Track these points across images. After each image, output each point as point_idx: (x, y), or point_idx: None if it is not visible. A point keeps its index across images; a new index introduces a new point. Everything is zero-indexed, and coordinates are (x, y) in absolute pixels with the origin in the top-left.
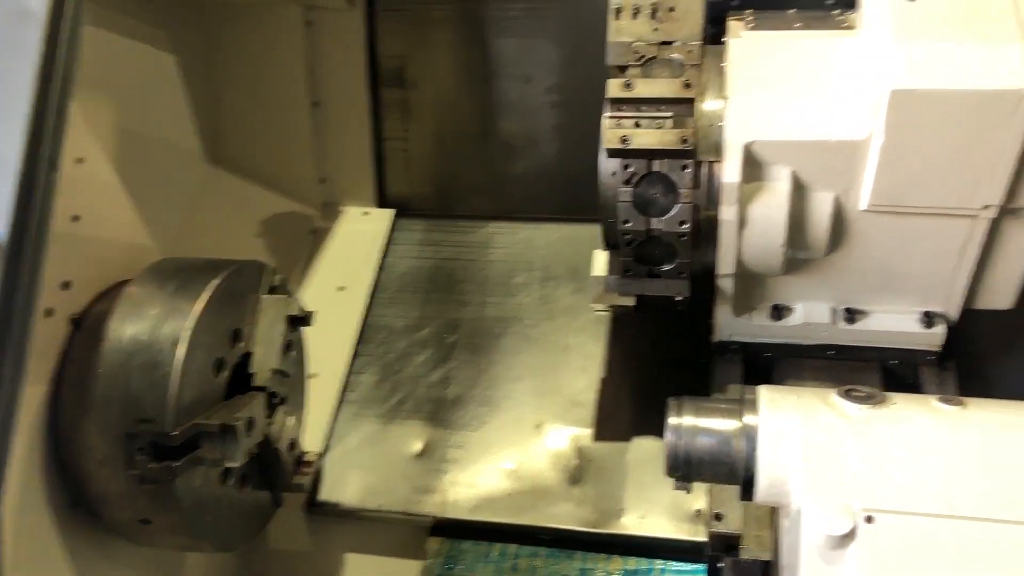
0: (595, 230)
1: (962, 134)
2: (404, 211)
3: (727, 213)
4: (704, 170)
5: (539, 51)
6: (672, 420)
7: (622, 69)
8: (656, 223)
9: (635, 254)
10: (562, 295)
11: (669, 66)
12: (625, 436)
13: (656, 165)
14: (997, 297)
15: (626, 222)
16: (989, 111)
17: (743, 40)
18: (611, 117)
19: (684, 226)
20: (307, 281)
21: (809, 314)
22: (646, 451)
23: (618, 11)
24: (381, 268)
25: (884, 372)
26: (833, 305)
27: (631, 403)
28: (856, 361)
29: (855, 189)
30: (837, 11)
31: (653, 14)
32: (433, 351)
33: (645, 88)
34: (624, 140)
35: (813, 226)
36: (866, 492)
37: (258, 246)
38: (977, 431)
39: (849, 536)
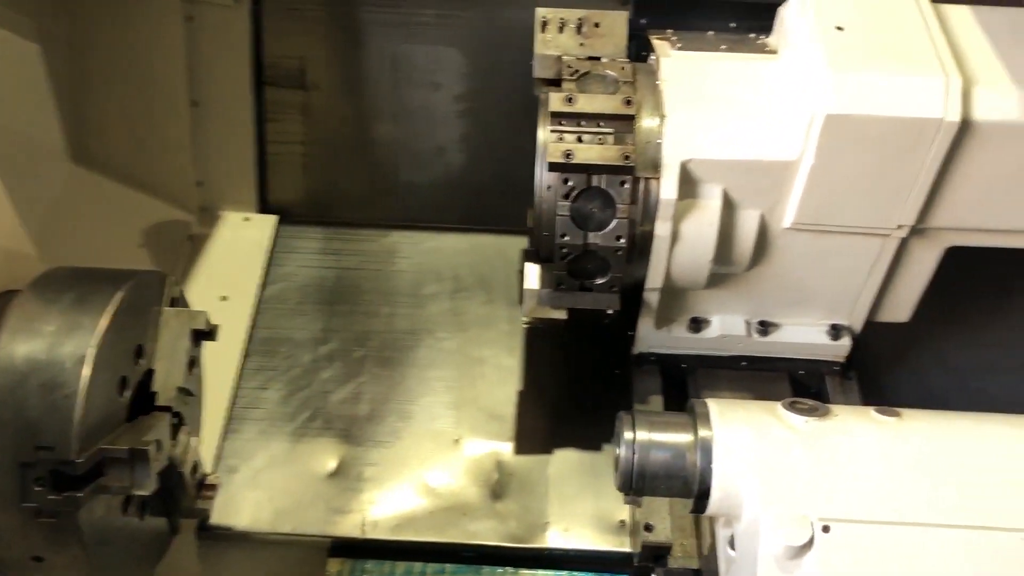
0: (503, 240)
1: (885, 158)
2: (297, 218)
3: (661, 229)
4: (641, 186)
5: (449, 59)
6: (626, 435)
7: (548, 82)
8: (593, 237)
9: (569, 268)
10: (473, 306)
11: (603, 81)
12: (546, 449)
13: (595, 180)
14: (897, 311)
15: (563, 236)
16: (912, 137)
17: (675, 60)
18: (553, 131)
19: (620, 241)
20: (186, 290)
21: (725, 326)
22: (568, 463)
23: (544, 24)
24: (267, 277)
25: (792, 382)
26: (747, 318)
27: (550, 415)
28: (767, 372)
29: (780, 207)
30: (753, 35)
31: (579, 29)
32: (342, 365)
33: (587, 103)
34: (567, 155)
35: (739, 243)
36: (821, 503)
37: (131, 252)
38: (916, 440)
39: (807, 546)
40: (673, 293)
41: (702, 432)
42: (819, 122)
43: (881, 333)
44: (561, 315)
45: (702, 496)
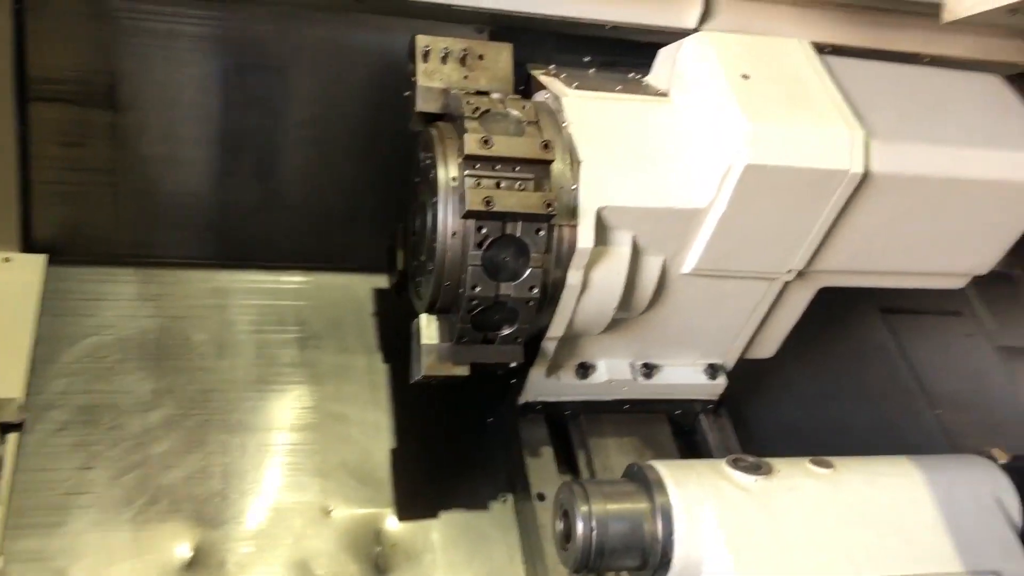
0: (349, 279)
1: (791, 206)
2: (96, 257)
3: (574, 278)
4: (556, 234)
5: (292, 81)
6: (581, 508)
7: (430, 116)
8: (505, 288)
9: (474, 320)
10: (326, 356)
11: (505, 121)
12: (428, 512)
13: (509, 228)
14: (766, 348)
15: (475, 287)
16: (819, 187)
17: (577, 101)
18: (470, 175)
19: (534, 291)
20: None
21: (612, 371)
22: (454, 526)
23: (426, 54)
24: (40, 328)
25: (670, 422)
26: (632, 361)
27: (426, 474)
28: (647, 413)
29: (682, 253)
30: (632, 73)
31: (463, 60)
32: (182, 433)
33: (504, 147)
34: (487, 202)
35: (641, 289)
36: (787, 569)
37: None
38: (854, 492)
39: None
40: (566, 340)
41: (659, 499)
42: (737, 171)
43: (739, 368)
44: (464, 371)
45: (662, 567)
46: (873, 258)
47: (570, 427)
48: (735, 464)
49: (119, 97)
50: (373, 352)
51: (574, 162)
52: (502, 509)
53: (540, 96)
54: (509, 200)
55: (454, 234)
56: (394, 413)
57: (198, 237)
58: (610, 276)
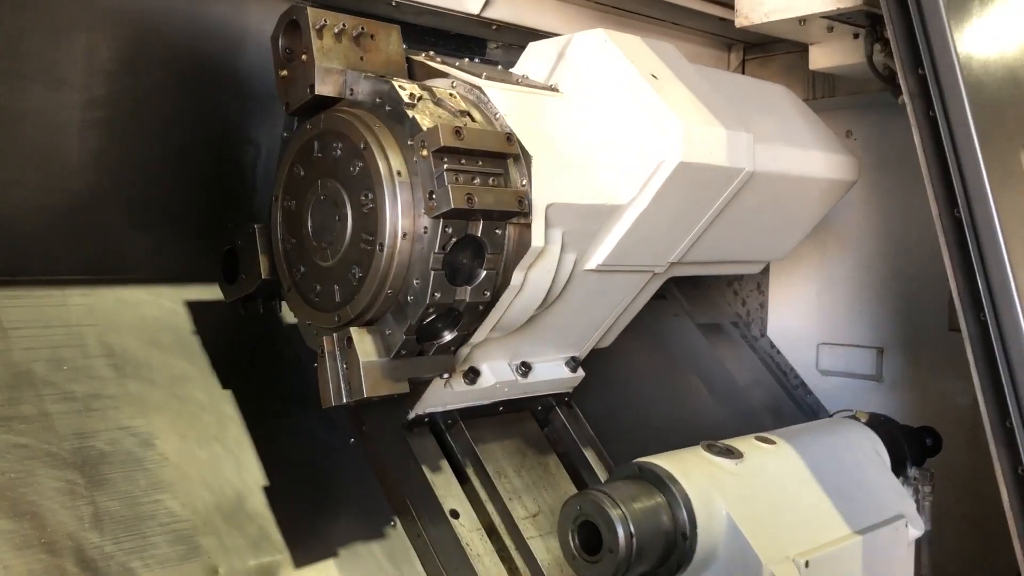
0: (149, 293)
1: (694, 201)
2: None
3: (517, 278)
4: (508, 232)
5: (81, 48)
6: (615, 512)
7: (319, 101)
8: (460, 293)
9: (420, 331)
10: (155, 388)
11: (442, 110)
12: (323, 552)
13: (471, 227)
14: (609, 339)
15: (435, 294)
16: (720, 183)
17: (500, 93)
18: (451, 170)
19: (487, 295)
20: None
21: (496, 373)
22: (352, 562)
23: (320, 30)
24: None
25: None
26: (510, 361)
27: (308, 510)
28: (515, 412)
29: (590, 251)
30: (499, 66)
31: (357, 40)
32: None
33: (475, 139)
34: (469, 199)
35: (555, 287)
36: (791, 540)
37: None
38: (799, 461)
39: None
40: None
41: (675, 491)
42: (669, 168)
43: None
44: (404, 388)
45: (688, 557)
46: (720, 249)
47: (448, 436)
48: (711, 450)
49: None
50: (208, 377)
51: (523, 156)
52: (393, 534)
53: (433, 83)
54: (487, 197)
55: (404, 235)
56: (252, 446)
57: None
58: (542, 275)
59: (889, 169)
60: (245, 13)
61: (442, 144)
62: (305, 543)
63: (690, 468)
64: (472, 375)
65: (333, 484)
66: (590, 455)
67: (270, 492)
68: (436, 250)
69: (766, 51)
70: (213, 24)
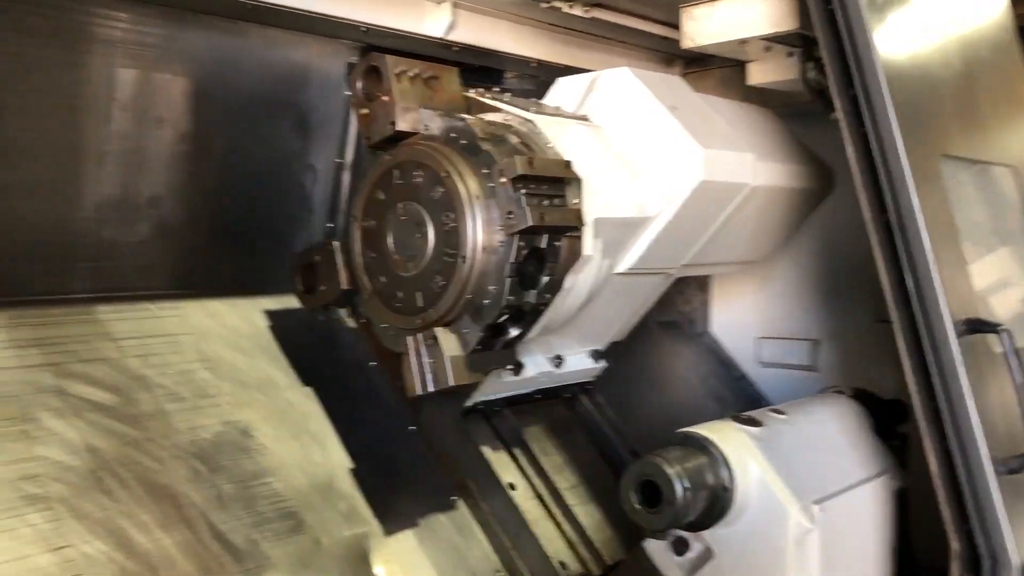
0: (233, 305)
1: (709, 212)
2: None
3: (569, 282)
4: (563, 244)
5: (176, 89)
6: (672, 471)
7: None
8: (528, 296)
9: (493, 329)
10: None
11: (506, 144)
12: (405, 524)
13: (538, 240)
14: (623, 332)
15: (509, 297)
16: (729, 196)
17: (551, 125)
18: (528, 193)
19: (548, 296)
20: None
21: (536, 365)
22: (430, 533)
23: (399, 75)
24: None
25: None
26: (546, 355)
27: (387, 489)
28: (550, 399)
29: (621, 257)
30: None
31: (426, 81)
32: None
33: (544, 167)
34: (542, 217)
35: (592, 290)
36: (807, 490)
37: None
38: (807, 429)
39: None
40: None
41: (716, 454)
42: (691, 186)
43: None
44: (482, 378)
45: (727, 508)
46: (720, 252)
47: (495, 421)
48: (738, 420)
49: None
50: (290, 376)
51: (576, 180)
52: (457, 509)
53: (488, 117)
54: (555, 215)
55: (483, 249)
56: (335, 435)
57: (62, 270)
58: (587, 280)
59: None
60: (307, 55)
61: (519, 173)
62: (388, 516)
63: (724, 434)
64: (517, 367)
65: (402, 466)
66: (613, 433)
67: (354, 473)
68: (511, 260)
69: (704, 66)
70: (280, 65)
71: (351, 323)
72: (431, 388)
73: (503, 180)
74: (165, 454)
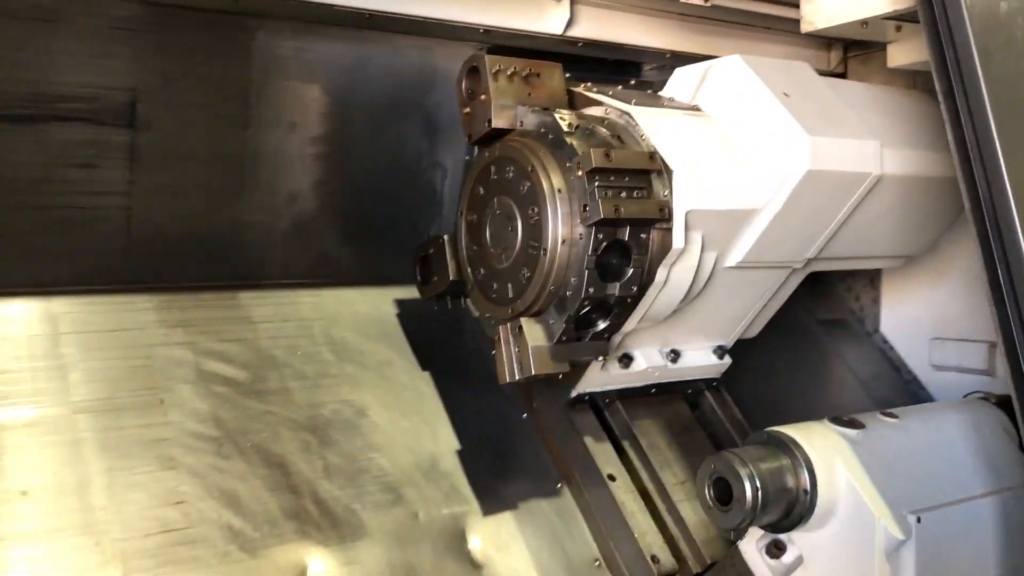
0: (360, 294)
1: (825, 203)
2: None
3: (661, 275)
4: (652, 236)
5: (307, 96)
6: (744, 471)
7: (492, 133)
8: (611, 288)
9: (577, 320)
10: (367, 370)
11: (594, 136)
12: (504, 506)
13: (619, 233)
14: (754, 329)
15: (589, 289)
16: (850, 187)
17: (647, 115)
18: (601, 186)
19: (634, 289)
20: None
21: (648, 359)
22: (528, 516)
23: (496, 74)
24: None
25: (684, 400)
26: (660, 348)
27: (490, 472)
28: (666, 394)
29: (729, 249)
30: (649, 91)
31: (525, 79)
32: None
33: (622, 159)
34: (616, 210)
35: (696, 283)
36: (906, 499)
37: None
38: (924, 433)
39: (909, 537)
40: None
41: (799, 456)
42: (798, 176)
43: None
44: (565, 368)
45: (808, 512)
46: (857, 246)
47: (606, 413)
48: (836, 422)
49: (140, 115)
50: (410, 360)
51: (665, 170)
52: (561, 496)
53: (590, 111)
54: (632, 207)
55: (563, 241)
56: (447, 417)
57: (213, 258)
58: (683, 273)
59: None
60: (433, 58)
61: (594, 165)
62: (489, 498)
63: (813, 436)
64: (626, 360)
65: (510, 452)
66: (737, 434)
67: (460, 455)
68: (589, 252)
69: (865, 49)
70: (407, 68)
71: (475, 312)
72: (517, 376)
73: (579, 173)
74: (283, 427)
